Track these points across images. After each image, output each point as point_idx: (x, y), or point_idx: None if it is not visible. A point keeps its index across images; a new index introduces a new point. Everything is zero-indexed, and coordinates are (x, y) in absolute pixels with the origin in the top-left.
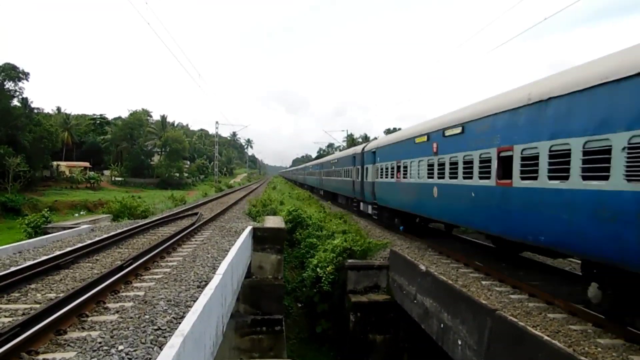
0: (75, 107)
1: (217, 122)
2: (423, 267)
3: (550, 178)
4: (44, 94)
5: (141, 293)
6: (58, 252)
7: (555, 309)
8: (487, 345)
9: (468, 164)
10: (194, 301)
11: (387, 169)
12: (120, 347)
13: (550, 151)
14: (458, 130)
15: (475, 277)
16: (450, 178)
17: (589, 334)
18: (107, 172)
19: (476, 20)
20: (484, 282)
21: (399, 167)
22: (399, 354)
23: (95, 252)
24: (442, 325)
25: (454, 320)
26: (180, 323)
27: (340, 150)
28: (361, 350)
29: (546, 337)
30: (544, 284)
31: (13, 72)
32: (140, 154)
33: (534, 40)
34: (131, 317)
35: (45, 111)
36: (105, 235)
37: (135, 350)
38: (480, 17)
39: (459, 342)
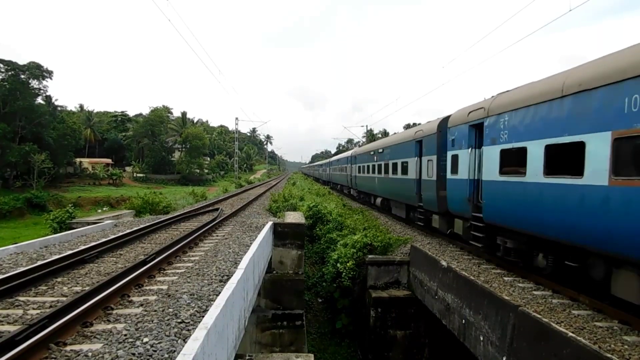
0: (97, 104)
1: (236, 119)
2: (444, 263)
3: None
4: (67, 91)
5: (164, 287)
6: (83, 247)
7: (580, 306)
8: (510, 342)
9: None
10: (217, 295)
11: None
12: (145, 339)
13: None
14: None
15: (497, 273)
16: None
17: (615, 331)
18: (128, 169)
19: (495, 15)
20: (506, 279)
21: None
22: (419, 350)
23: (118, 247)
24: (463, 321)
25: (476, 316)
26: (203, 316)
27: (360, 146)
28: (381, 345)
29: (571, 334)
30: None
31: (37, 71)
32: (161, 150)
33: (542, 35)
34: (155, 311)
35: (68, 109)
36: (128, 231)
37: (159, 343)
38: (500, 12)
39: (481, 338)
